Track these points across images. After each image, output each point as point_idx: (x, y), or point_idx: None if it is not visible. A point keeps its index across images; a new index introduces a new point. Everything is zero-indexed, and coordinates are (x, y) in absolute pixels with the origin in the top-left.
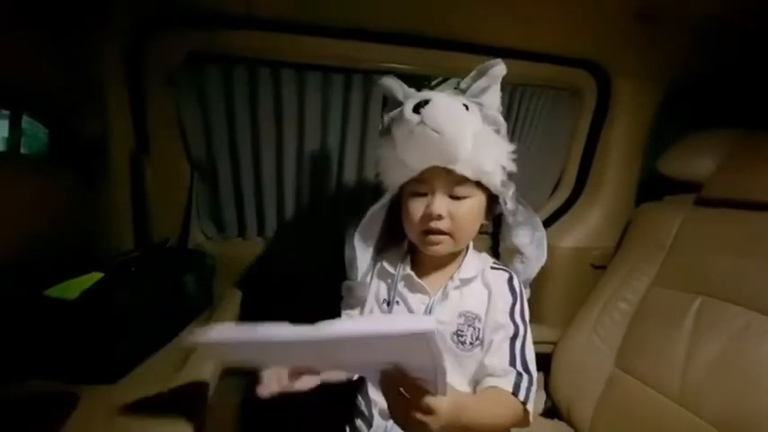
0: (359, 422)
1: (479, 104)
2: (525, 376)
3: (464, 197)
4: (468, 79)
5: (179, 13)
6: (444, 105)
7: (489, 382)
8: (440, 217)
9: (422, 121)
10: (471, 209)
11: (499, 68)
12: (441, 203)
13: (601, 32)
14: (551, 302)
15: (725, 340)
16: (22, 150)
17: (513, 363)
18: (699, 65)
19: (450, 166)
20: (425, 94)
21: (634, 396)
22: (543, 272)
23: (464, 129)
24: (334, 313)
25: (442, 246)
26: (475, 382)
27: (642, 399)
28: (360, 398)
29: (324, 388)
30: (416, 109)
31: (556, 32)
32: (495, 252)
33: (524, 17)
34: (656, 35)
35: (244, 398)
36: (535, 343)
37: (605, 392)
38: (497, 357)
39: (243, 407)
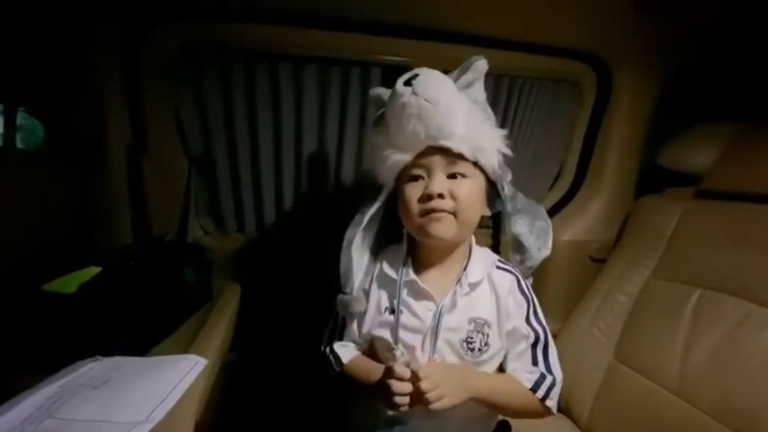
0: (361, 424)
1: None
2: (548, 377)
3: (463, 176)
4: (453, 74)
5: (175, 6)
6: (435, 76)
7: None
8: (440, 196)
9: (414, 92)
10: (472, 189)
11: (481, 63)
12: (440, 182)
13: (600, 24)
14: (550, 295)
15: (723, 332)
16: (19, 145)
17: (535, 363)
18: (699, 56)
19: (446, 143)
20: (414, 70)
21: (633, 388)
22: (542, 264)
23: (456, 100)
24: (332, 306)
25: (445, 224)
26: None
27: (641, 390)
28: (360, 402)
29: (321, 390)
30: (407, 82)
31: (555, 24)
32: (495, 249)
33: (523, 8)
34: (655, 26)
35: (242, 395)
36: None
37: (604, 384)
38: (520, 363)
39: (240, 404)
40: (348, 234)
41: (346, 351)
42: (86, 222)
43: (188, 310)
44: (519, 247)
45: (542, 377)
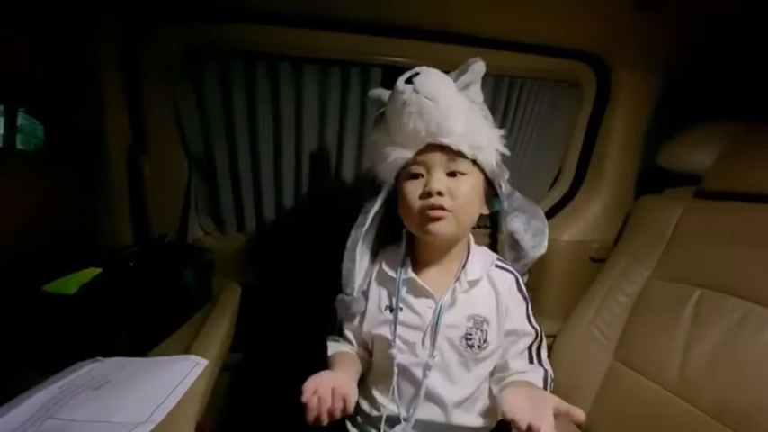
0: (361, 422)
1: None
2: (549, 372)
3: (462, 174)
4: (453, 75)
5: (175, 6)
6: (435, 75)
7: (521, 377)
8: (440, 194)
9: (415, 90)
10: (470, 187)
11: (479, 65)
12: (439, 180)
13: (600, 24)
14: (550, 295)
15: (723, 332)
16: (20, 146)
17: (531, 361)
18: (699, 56)
19: (446, 141)
20: (415, 69)
21: (633, 388)
22: (542, 265)
23: (456, 99)
24: (332, 307)
25: (444, 223)
26: (495, 381)
27: (641, 391)
28: (363, 400)
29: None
30: (409, 80)
31: (555, 24)
32: (493, 248)
33: (523, 8)
34: (655, 26)
35: (242, 396)
36: None
37: (604, 384)
38: (521, 361)
39: (241, 405)
40: (352, 236)
41: (333, 344)
42: (86, 222)
43: (188, 311)
44: (514, 244)
45: (545, 373)
